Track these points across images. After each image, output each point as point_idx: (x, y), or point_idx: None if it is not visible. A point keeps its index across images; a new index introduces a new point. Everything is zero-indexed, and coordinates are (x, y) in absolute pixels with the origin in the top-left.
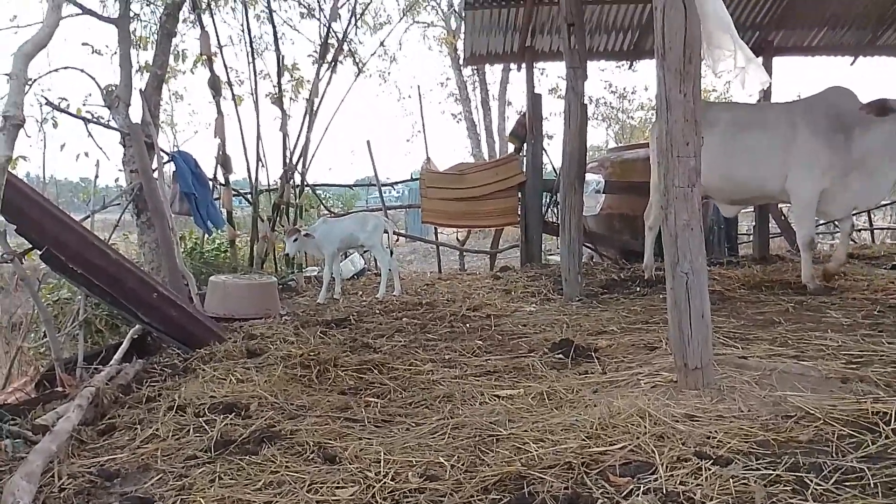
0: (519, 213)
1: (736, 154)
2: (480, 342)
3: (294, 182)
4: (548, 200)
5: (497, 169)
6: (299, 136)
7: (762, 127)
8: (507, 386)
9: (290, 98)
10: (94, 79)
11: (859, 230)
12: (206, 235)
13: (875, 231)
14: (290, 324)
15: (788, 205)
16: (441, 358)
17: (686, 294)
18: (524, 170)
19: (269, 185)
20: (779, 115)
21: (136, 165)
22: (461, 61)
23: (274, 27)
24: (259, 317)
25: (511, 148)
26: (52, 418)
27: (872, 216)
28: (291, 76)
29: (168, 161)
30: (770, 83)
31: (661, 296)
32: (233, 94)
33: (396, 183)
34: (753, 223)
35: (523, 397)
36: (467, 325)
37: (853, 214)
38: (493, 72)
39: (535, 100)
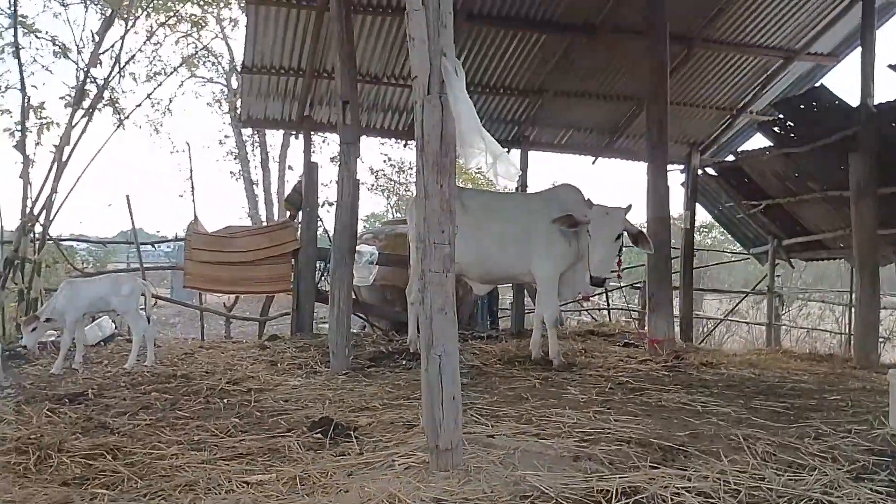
0: (291, 280)
1: (485, 238)
2: (237, 420)
3: (34, 234)
4: (321, 269)
5: (271, 234)
6: (44, 184)
7: (507, 215)
8: (258, 471)
9: (35, 142)
10: None
11: (600, 309)
12: None
13: (612, 311)
14: (11, 399)
15: None
16: (190, 439)
17: (439, 376)
18: (298, 237)
19: (1, 236)
20: (520, 205)
21: None
22: (240, 120)
23: (20, 63)
24: None
25: (287, 214)
26: None
27: (610, 297)
28: (38, 116)
29: None
30: (521, 174)
31: None
32: None
33: (163, 241)
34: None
35: (274, 483)
36: (225, 400)
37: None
38: (275, 134)
39: (311, 168)
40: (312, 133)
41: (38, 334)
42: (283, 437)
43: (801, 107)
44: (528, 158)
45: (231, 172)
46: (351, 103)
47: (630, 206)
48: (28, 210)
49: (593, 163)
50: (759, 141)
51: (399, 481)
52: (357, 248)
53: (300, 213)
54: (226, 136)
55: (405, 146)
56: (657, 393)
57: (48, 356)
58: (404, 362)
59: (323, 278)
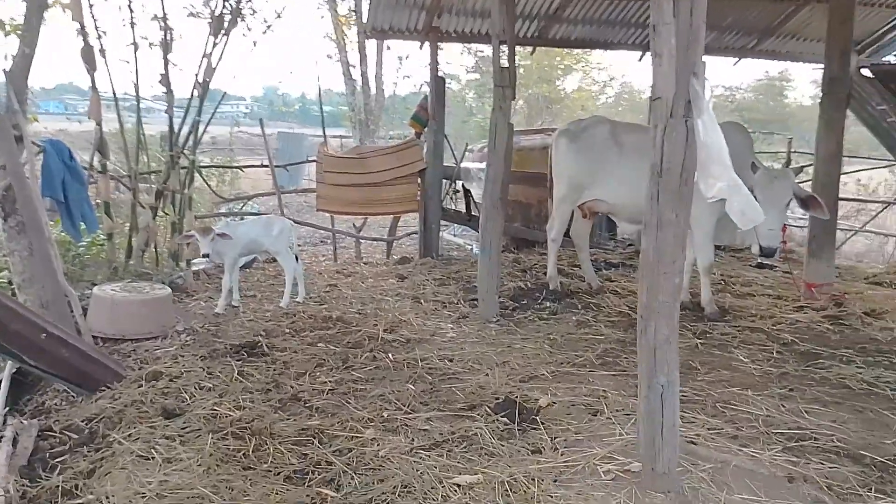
0: (418, 199)
1: (641, 178)
2: (412, 387)
3: (180, 165)
4: (447, 188)
5: (398, 154)
6: (185, 115)
7: None
8: (463, 468)
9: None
10: None
11: None
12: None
13: None
14: (193, 349)
15: None
16: (379, 416)
17: (661, 406)
18: (424, 156)
19: (149, 167)
20: None
21: (1, 162)
22: (365, 31)
23: None
24: (154, 335)
25: (413, 132)
26: None
27: None
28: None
29: (39, 152)
30: (763, 219)
31: (574, 317)
32: (102, 49)
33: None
34: None
35: (484, 486)
36: (390, 355)
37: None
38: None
39: (438, 84)
40: (437, 45)
41: (215, 244)
42: (468, 420)
43: None
44: None
45: (328, 56)
46: (508, 43)
47: (802, 168)
48: (173, 143)
49: (735, 64)
50: None
51: (614, 501)
52: (479, 163)
53: (425, 131)
54: (322, 17)
55: (532, 53)
56: (833, 363)
57: (203, 286)
58: (549, 304)
59: (448, 197)
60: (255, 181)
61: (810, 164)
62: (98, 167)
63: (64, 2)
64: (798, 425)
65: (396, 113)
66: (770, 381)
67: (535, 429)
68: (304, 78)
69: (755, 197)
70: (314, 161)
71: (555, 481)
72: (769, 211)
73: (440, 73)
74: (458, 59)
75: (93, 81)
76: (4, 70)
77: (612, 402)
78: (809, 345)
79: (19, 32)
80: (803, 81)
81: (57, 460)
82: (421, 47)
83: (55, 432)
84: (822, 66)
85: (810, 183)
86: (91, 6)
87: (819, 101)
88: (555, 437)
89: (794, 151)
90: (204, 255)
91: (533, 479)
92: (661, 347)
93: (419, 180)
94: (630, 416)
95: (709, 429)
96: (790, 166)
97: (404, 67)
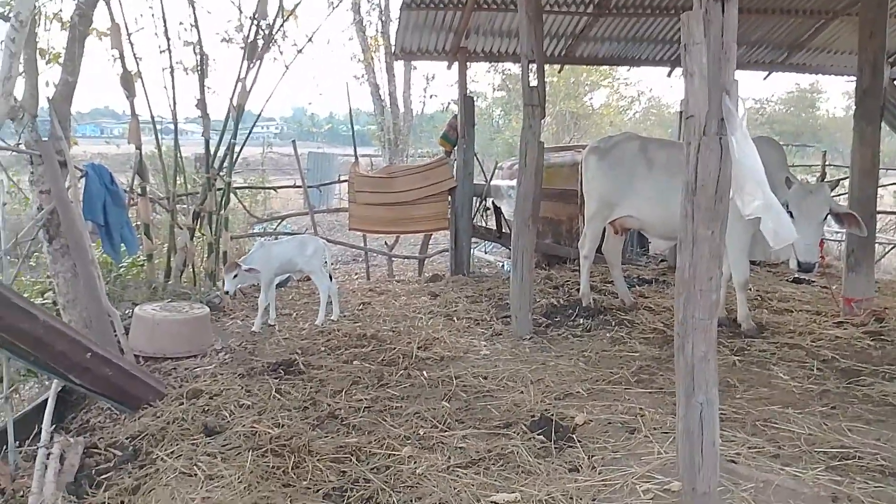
0: (449, 217)
1: (672, 195)
2: (447, 405)
3: (216, 187)
4: (477, 205)
5: (428, 173)
6: (221, 138)
7: None
8: (500, 486)
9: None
10: None
11: None
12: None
13: None
14: (231, 367)
15: None
16: (415, 433)
17: (700, 424)
18: (454, 174)
19: (187, 189)
20: None
21: (46, 186)
22: (393, 53)
23: (195, 17)
24: (193, 354)
25: (443, 151)
26: None
27: None
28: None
29: (82, 177)
30: (796, 238)
31: (608, 334)
32: (142, 81)
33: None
34: None
35: None
36: (424, 372)
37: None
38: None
39: (467, 103)
40: (466, 65)
41: (238, 281)
42: (504, 436)
43: None
44: None
45: (355, 76)
46: (537, 62)
47: (838, 182)
48: (211, 166)
49: (765, 78)
50: None
51: None
52: (509, 180)
53: (455, 150)
54: (350, 39)
55: (560, 71)
56: (874, 380)
57: (239, 305)
58: (581, 321)
59: (478, 214)
60: (285, 200)
61: (846, 178)
62: (138, 190)
63: (103, 30)
64: (841, 444)
65: (424, 131)
66: (811, 399)
67: (571, 447)
68: (333, 98)
69: (790, 212)
70: (346, 181)
71: (593, 500)
72: (806, 226)
73: (468, 92)
74: (484, 77)
75: (132, 107)
76: (48, 97)
77: (649, 420)
78: (850, 361)
79: (61, 61)
80: (835, 93)
81: (102, 477)
82: (449, 67)
83: (100, 449)
84: (854, 77)
85: (846, 197)
86: (129, 34)
87: (852, 113)
88: (592, 456)
89: (829, 165)
90: (225, 293)
91: (571, 498)
92: (698, 365)
93: (449, 198)
94: (668, 434)
95: (749, 447)
96: (825, 180)
97: (431, 87)
